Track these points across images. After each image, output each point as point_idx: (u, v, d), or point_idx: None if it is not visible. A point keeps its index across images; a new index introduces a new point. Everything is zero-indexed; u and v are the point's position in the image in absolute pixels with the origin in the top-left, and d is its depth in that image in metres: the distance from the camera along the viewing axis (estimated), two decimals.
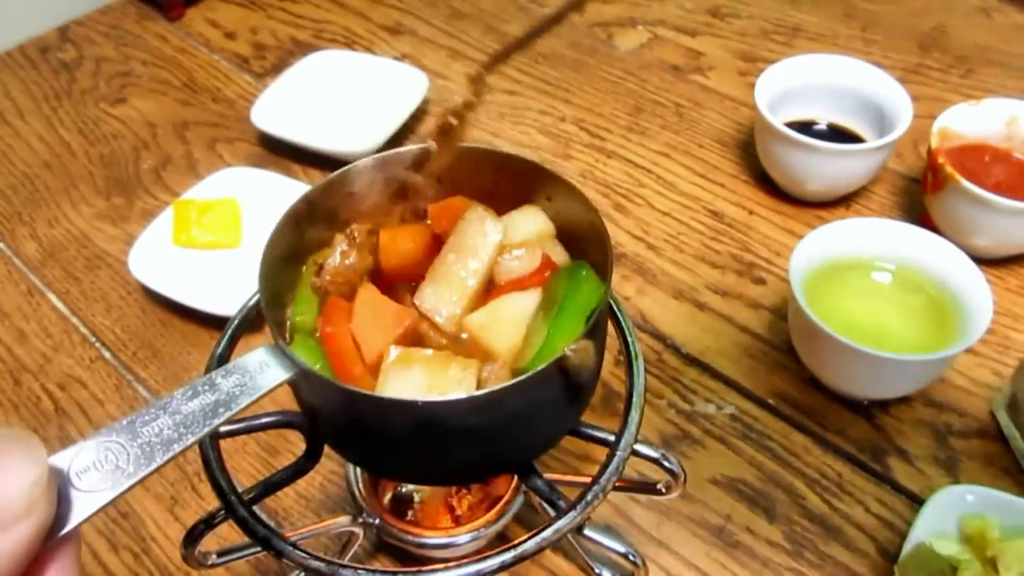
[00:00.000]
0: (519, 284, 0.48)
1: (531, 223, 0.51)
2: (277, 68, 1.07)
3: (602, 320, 0.45)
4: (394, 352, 0.44)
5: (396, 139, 0.93)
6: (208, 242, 0.83)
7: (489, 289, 0.49)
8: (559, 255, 0.50)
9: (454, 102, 0.49)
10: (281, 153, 0.95)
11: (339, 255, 0.48)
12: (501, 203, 0.51)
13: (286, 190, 0.85)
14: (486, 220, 0.49)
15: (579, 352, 0.41)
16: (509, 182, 0.51)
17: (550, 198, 0.50)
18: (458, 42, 1.10)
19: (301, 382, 0.41)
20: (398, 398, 0.41)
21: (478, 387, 0.42)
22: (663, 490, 0.51)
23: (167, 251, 0.82)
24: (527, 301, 0.47)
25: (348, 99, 0.98)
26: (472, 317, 0.46)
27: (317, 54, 1.02)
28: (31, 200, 0.93)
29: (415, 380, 0.42)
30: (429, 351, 0.44)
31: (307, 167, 0.94)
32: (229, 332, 0.51)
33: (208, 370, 0.50)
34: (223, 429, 0.49)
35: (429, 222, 0.52)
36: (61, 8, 1.16)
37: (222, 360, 0.50)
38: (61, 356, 0.78)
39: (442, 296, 0.47)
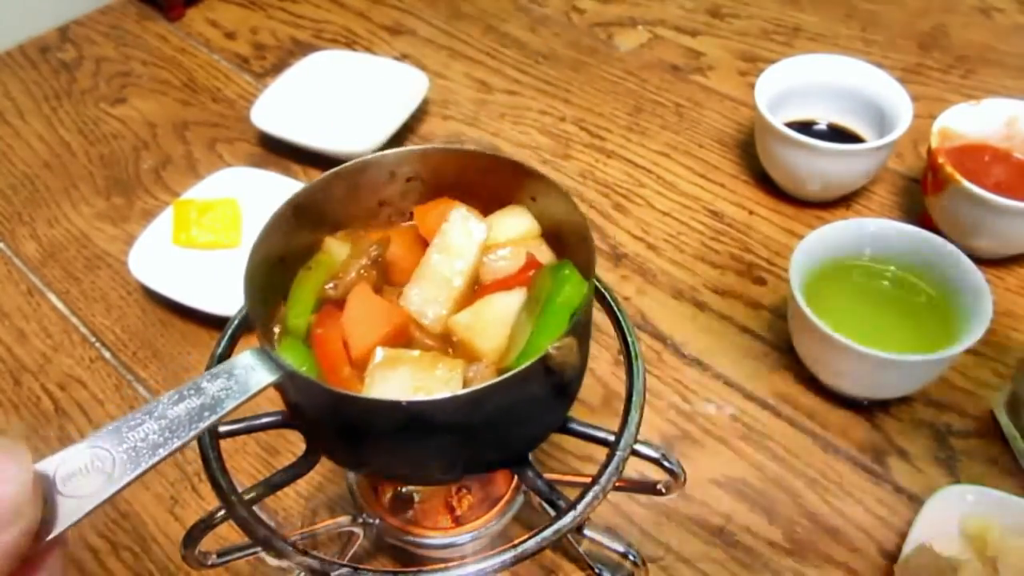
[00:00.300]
0: (504, 284, 0.48)
1: (516, 223, 0.51)
2: (277, 68, 1.07)
3: (585, 318, 0.45)
4: (380, 354, 0.44)
5: (396, 139, 0.93)
6: (208, 242, 0.83)
7: (475, 289, 0.49)
8: (544, 254, 0.50)
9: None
10: (281, 153, 0.95)
11: (355, 274, 0.48)
12: (487, 203, 0.51)
13: (286, 190, 0.84)
14: (470, 220, 0.49)
15: (562, 350, 0.41)
16: (494, 182, 0.51)
17: (534, 197, 0.51)
18: (458, 42, 1.10)
19: (287, 384, 0.41)
20: (382, 399, 0.41)
21: (464, 387, 0.43)
22: (663, 490, 0.51)
23: (167, 251, 0.82)
24: (512, 301, 0.47)
25: (348, 99, 0.98)
26: (457, 318, 0.47)
27: (317, 54, 1.02)
28: (31, 200, 0.93)
29: (401, 381, 0.43)
30: (415, 352, 0.44)
31: (307, 167, 0.94)
32: (229, 332, 0.51)
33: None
34: (223, 429, 0.49)
35: (415, 223, 0.52)
36: (61, 8, 1.16)
37: (222, 360, 0.50)
38: (61, 356, 0.78)
39: (428, 297, 0.48)
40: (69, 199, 0.92)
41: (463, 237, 0.48)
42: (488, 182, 0.51)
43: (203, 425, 0.36)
